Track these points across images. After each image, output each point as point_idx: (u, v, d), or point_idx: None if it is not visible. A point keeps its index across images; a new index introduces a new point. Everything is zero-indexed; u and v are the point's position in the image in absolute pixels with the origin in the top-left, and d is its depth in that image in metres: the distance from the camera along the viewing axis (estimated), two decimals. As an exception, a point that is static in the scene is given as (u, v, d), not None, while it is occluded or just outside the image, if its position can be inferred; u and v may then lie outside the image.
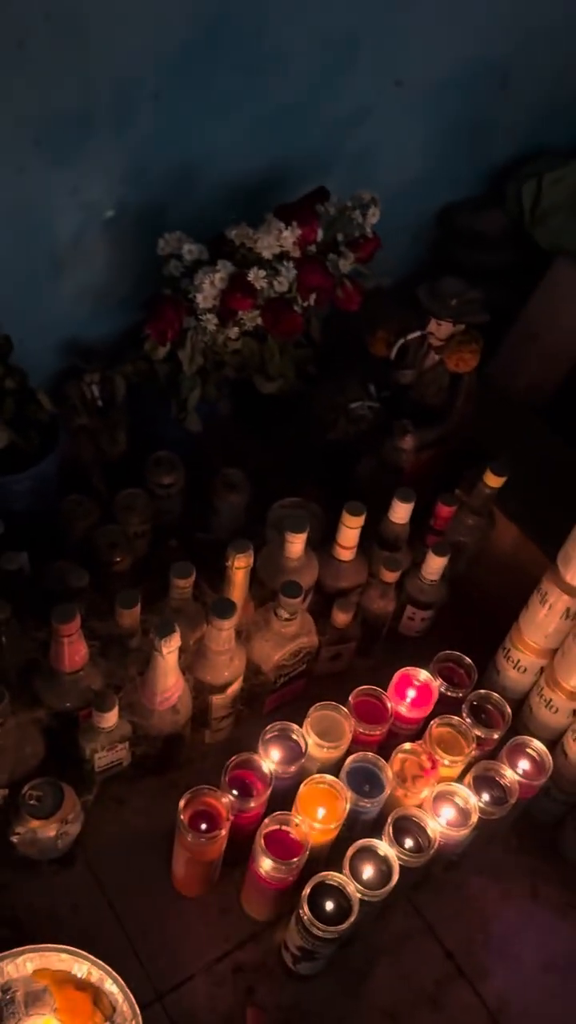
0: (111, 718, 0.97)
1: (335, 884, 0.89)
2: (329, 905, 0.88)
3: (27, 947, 0.93)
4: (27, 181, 1.06)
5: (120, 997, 0.92)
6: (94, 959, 0.93)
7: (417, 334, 1.23)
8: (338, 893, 0.89)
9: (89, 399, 1.24)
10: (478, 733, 1.02)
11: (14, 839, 0.97)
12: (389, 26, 1.21)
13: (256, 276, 1.02)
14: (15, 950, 0.93)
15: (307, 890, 0.87)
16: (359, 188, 1.19)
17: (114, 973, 0.93)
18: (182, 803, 0.91)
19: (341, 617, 1.12)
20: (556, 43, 1.41)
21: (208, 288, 1.04)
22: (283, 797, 0.97)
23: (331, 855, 0.98)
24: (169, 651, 0.93)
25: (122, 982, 0.93)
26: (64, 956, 0.94)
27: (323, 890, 0.89)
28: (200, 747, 1.11)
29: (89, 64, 1.01)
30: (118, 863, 1.04)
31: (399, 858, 0.91)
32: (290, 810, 0.95)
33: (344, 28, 1.17)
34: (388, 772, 0.97)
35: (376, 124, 1.31)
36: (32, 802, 0.96)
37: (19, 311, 1.12)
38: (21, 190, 1.07)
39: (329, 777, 0.94)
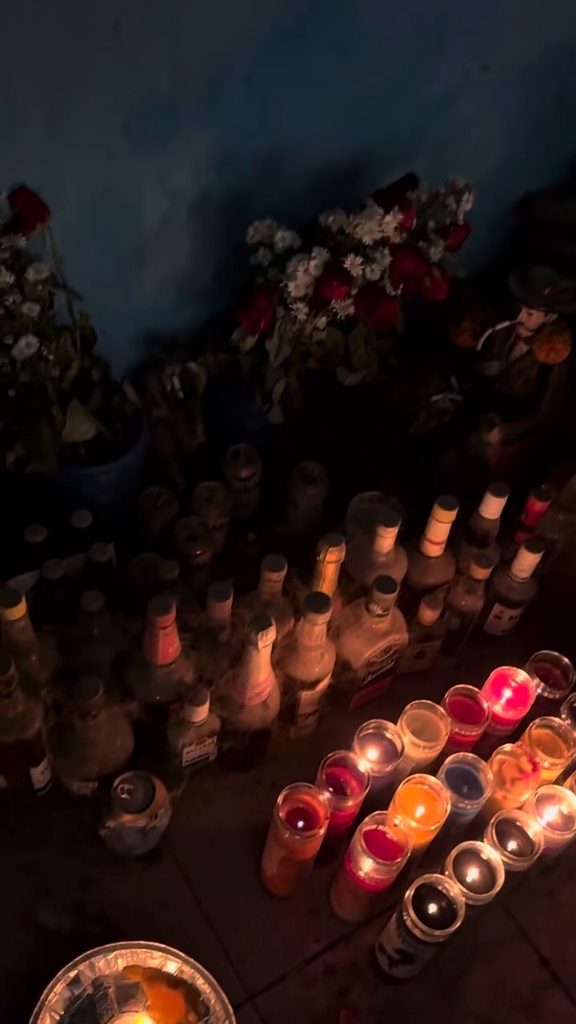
0: (203, 712, 0.95)
1: (438, 887, 0.86)
2: (432, 908, 0.86)
3: (118, 943, 0.92)
4: (115, 167, 1.05)
5: (212, 996, 0.91)
6: (185, 956, 0.92)
7: (506, 324, 1.20)
8: (440, 896, 0.87)
9: (169, 391, 1.22)
10: (577, 735, 0.99)
11: (103, 833, 0.96)
12: (480, 9, 1.18)
13: (353, 263, 1.00)
14: (106, 946, 0.92)
15: (411, 892, 0.85)
16: (442, 174, 1.16)
17: (205, 971, 0.92)
18: (280, 799, 0.89)
19: (428, 614, 1.10)
20: None
21: (302, 276, 1.01)
22: (374, 796, 0.95)
23: (424, 858, 0.96)
24: (264, 645, 0.92)
25: (214, 980, 0.91)
26: (156, 953, 0.92)
27: (426, 892, 0.86)
28: (285, 743, 1.09)
29: (181, 48, 1.00)
30: (205, 859, 1.02)
31: (504, 862, 0.88)
32: (381, 810, 0.93)
33: (436, 10, 1.15)
34: (488, 774, 0.94)
35: (462, 109, 1.28)
36: (124, 796, 0.95)
37: (103, 301, 1.10)
38: (109, 176, 1.06)
39: (430, 778, 0.91)
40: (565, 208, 1.44)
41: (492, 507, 1.09)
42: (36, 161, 0.99)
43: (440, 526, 1.07)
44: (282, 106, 1.11)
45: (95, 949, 0.91)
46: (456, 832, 0.96)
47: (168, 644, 0.94)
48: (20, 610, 0.89)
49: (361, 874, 0.90)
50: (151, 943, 0.92)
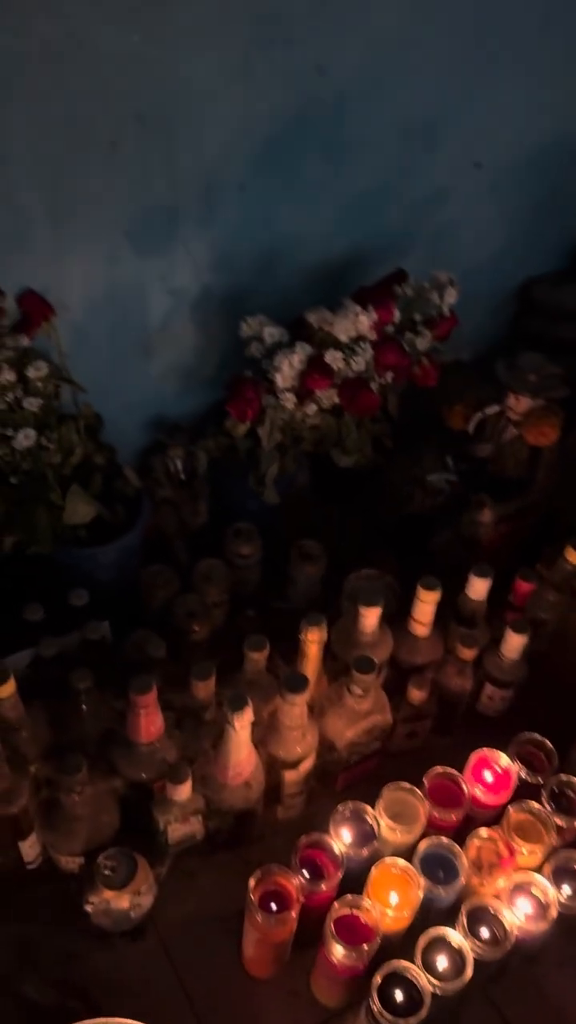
0: (185, 791, 0.98)
1: (407, 974, 0.86)
2: (400, 996, 0.86)
3: (98, 1020, 0.93)
4: (118, 270, 1.13)
5: (187, 1079, 0.91)
6: (162, 1037, 0.93)
7: (495, 408, 1.24)
8: (409, 984, 0.86)
9: (172, 472, 1.28)
10: (559, 822, 0.98)
11: (88, 908, 0.99)
12: (467, 111, 1.25)
13: (333, 358, 1.05)
14: (86, 1022, 0.93)
15: (377, 979, 0.85)
16: (438, 266, 1.21)
17: (182, 1053, 0.92)
18: (252, 882, 0.91)
19: (416, 694, 1.11)
20: None
21: (287, 369, 1.07)
22: (354, 878, 0.96)
23: (404, 941, 0.95)
24: (241, 725, 0.94)
25: (189, 1063, 0.92)
26: (133, 1032, 0.93)
27: (394, 979, 0.86)
28: (272, 823, 1.11)
29: (176, 160, 1.08)
30: (189, 938, 1.03)
31: (473, 951, 0.88)
32: (360, 891, 0.93)
33: (423, 115, 1.21)
34: (464, 860, 0.94)
35: (455, 204, 1.34)
36: (106, 872, 0.97)
37: (110, 391, 1.17)
38: (112, 279, 1.13)
39: (402, 862, 0.92)
40: (564, 292, 1.48)
41: (477, 588, 1.11)
42: (42, 266, 1.07)
43: (424, 606, 1.09)
44: (276, 209, 1.18)
45: (75, 1025, 0.93)
46: (435, 917, 0.96)
47: (150, 723, 0.97)
48: (9, 688, 0.94)
49: (334, 958, 0.90)
50: (130, 1021, 0.93)
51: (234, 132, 1.09)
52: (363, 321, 1.05)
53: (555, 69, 1.28)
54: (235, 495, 1.32)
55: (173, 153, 1.07)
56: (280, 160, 1.14)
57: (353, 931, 0.90)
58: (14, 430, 1.01)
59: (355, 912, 0.90)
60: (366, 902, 0.90)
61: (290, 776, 1.05)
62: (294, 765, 1.03)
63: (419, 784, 1.01)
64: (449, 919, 0.94)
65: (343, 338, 1.05)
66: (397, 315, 1.12)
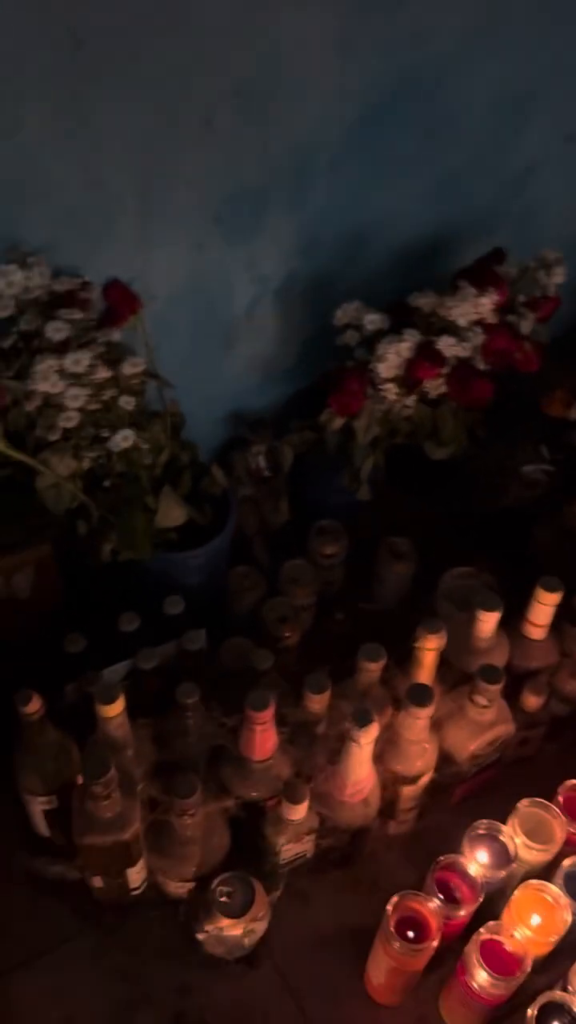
0: (301, 810, 0.92)
1: (564, 1004, 0.80)
2: (555, 1028, 0.80)
3: (220, 1056, 0.88)
4: (205, 257, 1.06)
5: None
6: (290, 1073, 0.88)
7: (599, 395, 1.17)
8: (566, 1014, 0.81)
9: (254, 469, 1.22)
10: None
11: (200, 937, 0.93)
12: (561, 83, 1.18)
13: (446, 344, 0.98)
14: (208, 1059, 0.88)
15: (534, 1012, 0.79)
16: (525, 245, 1.15)
17: None
18: (390, 908, 0.85)
19: (532, 700, 1.05)
20: None
21: (393, 358, 1.00)
22: (485, 902, 0.90)
23: (541, 965, 0.90)
24: (367, 741, 0.88)
25: None
26: (259, 1069, 0.88)
27: (551, 1010, 0.81)
28: (383, 839, 1.05)
29: (269, 138, 1.01)
30: (306, 964, 0.98)
31: (632, 980, 0.82)
32: (491, 912, 0.88)
33: (518, 86, 1.15)
34: (608, 879, 0.88)
35: (544, 181, 1.27)
36: (222, 899, 0.91)
37: (190, 384, 1.11)
38: (199, 266, 1.07)
39: (550, 886, 0.86)
40: None
41: (596, 587, 1.05)
42: (129, 254, 1.01)
43: (543, 608, 1.03)
44: (365, 188, 1.12)
45: (197, 1063, 0.88)
46: (573, 939, 0.90)
47: (266, 739, 0.91)
48: (119, 706, 0.88)
49: (476, 987, 0.84)
50: (253, 1056, 0.88)
51: (329, 107, 1.03)
52: (484, 303, 0.98)
53: None
54: (317, 491, 1.26)
55: (267, 130, 1.00)
56: (373, 136, 1.08)
57: (496, 958, 0.84)
58: (111, 431, 0.95)
59: (497, 938, 0.85)
60: (513, 928, 0.84)
61: (408, 791, 0.99)
62: (414, 780, 0.98)
63: (542, 794, 0.96)
64: (589, 942, 0.89)
65: (462, 322, 0.98)
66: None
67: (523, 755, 1.11)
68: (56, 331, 0.90)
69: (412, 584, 1.25)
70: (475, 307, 0.98)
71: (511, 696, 1.06)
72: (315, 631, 1.23)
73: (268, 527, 1.26)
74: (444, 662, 1.03)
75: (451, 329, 1.00)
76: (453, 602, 1.14)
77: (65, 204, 0.93)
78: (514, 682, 1.07)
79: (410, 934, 0.85)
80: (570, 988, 0.82)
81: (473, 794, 1.07)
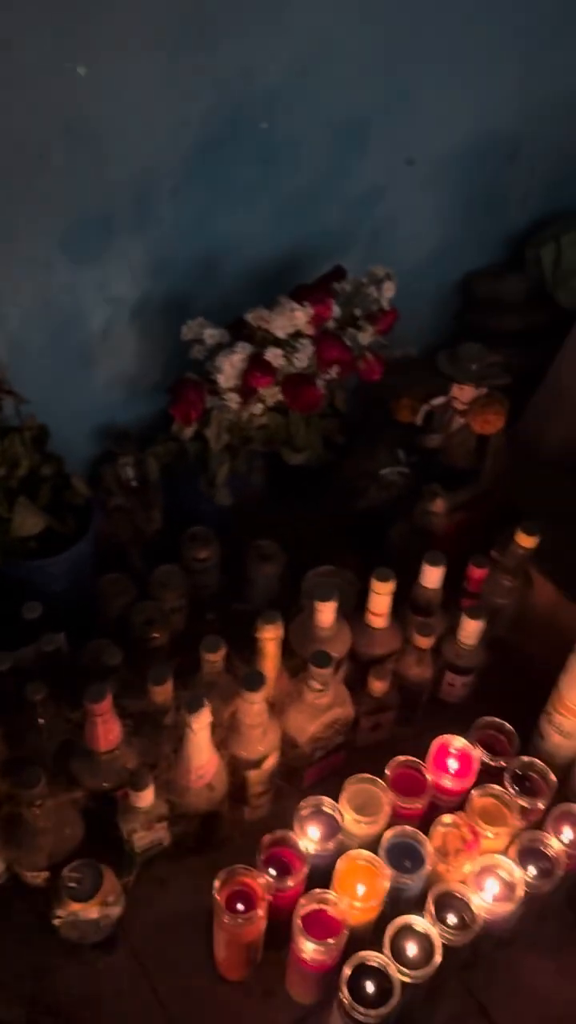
0: (147, 797, 0.97)
1: (376, 965, 0.86)
2: (371, 987, 0.86)
3: (70, 1035, 0.92)
4: (55, 280, 1.12)
5: None
6: (137, 1048, 0.92)
7: (441, 399, 1.25)
8: (380, 974, 0.86)
9: (124, 480, 1.27)
10: (522, 803, 0.99)
11: (56, 922, 0.97)
12: (397, 109, 1.26)
13: (274, 355, 1.05)
14: (58, 1039, 0.92)
15: (346, 972, 0.85)
16: (377, 263, 1.22)
17: (158, 1063, 0.91)
18: (217, 884, 0.90)
19: (377, 685, 1.11)
20: (566, 111, 1.45)
21: (228, 369, 1.07)
22: (322, 874, 0.96)
23: (373, 933, 0.95)
24: (200, 727, 0.94)
25: (166, 1072, 0.91)
26: (107, 1045, 0.92)
27: (364, 971, 0.86)
28: (240, 824, 1.10)
29: (108, 169, 1.08)
30: (161, 946, 1.02)
31: (442, 937, 0.88)
32: (329, 886, 0.93)
33: (353, 114, 1.23)
34: (428, 847, 0.94)
35: (390, 201, 1.35)
36: (71, 884, 0.95)
37: (54, 401, 1.16)
38: (49, 288, 1.13)
39: (367, 853, 0.92)
40: (504, 284, 1.50)
41: (430, 576, 1.12)
42: (-24, 277, 1.07)
43: (379, 597, 1.09)
44: (211, 213, 1.19)
45: (46, 1043, 0.92)
46: (404, 906, 0.96)
47: (108, 731, 0.96)
48: (-38, 704, 0.93)
49: (304, 955, 0.89)
50: (103, 1034, 0.93)
51: (164, 138, 1.10)
52: (299, 316, 1.05)
53: (480, 67, 1.30)
54: (189, 500, 1.31)
55: (103, 161, 1.06)
56: (212, 164, 1.15)
57: (323, 926, 0.89)
58: (-44, 444, 1.00)
59: (322, 906, 0.90)
60: (332, 895, 0.90)
61: (254, 775, 1.04)
62: (257, 764, 1.03)
63: (383, 775, 1.02)
64: (418, 908, 0.94)
65: (280, 335, 1.06)
66: (337, 310, 1.13)
67: (377, 739, 1.17)
68: None
69: (281, 584, 1.31)
70: (291, 320, 1.05)
71: (359, 684, 1.12)
72: (188, 632, 1.28)
73: (142, 535, 1.32)
74: (292, 652, 1.10)
75: (278, 341, 1.07)
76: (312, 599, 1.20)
77: None
78: (362, 670, 1.13)
79: (240, 907, 0.90)
80: (384, 949, 0.87)
81: (325, 778, 1.13)
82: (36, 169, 1.02)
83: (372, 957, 0.86)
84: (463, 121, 1.35)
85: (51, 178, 1.04)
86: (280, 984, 1.00)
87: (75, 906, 0.95)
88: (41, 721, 1.01)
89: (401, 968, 0.85)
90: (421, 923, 0.88)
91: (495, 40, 1.28)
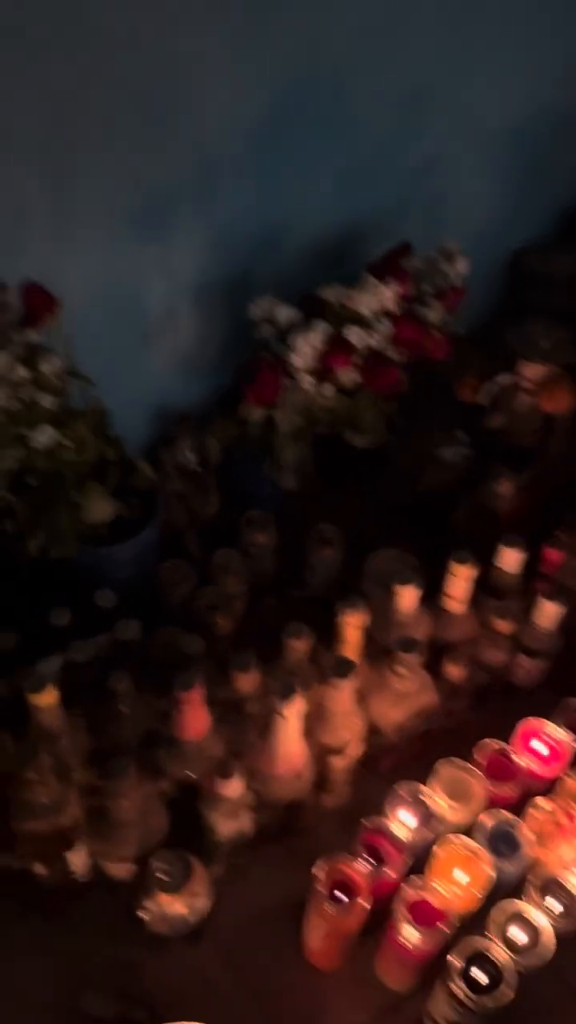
0: (234, 786, 0.95)
1: (485, 952, 0.85)
2: (480, 975, 0.85)
3: (165, 1028, 0.91)
4: (119, 257, 1.09)
5: (264, 1079, 0.89)
6: (233, 1039, 0.91)
7: (508, 377, 1.23)
8: (487, 961, 0.85)
9: (182, 464, 1.25)
10: (613, 785, 0.98)
11: (143, 915, 0.96)
12: (458, 81, 1.23)
13: (355, 334, 1.03)
14: (153, 1032, 0.91)
15: (458, 961, 0.84)
16: (433, 237, 1.20)
17: (256, 1054, 0.90)
18: (320, 874, 0.89)
19: (454, 671, 1.10)
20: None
21: (306, 349, 1.04)
22: (414, 860, 0.94)
23: (470, 920, 0.95)
24: (291, 714, 0.92)
25: (265, 1063, 0.90)
26: (203, 1037, 0.91)
27: (474, 959, 0.85)
28: (320, 812, 1.09)
29: (174, 142, 1.04)
30: (246, 936, 1.01)
31: (552, 923, 0.87)
32: (420, 872, 0.92)
33: (415, 84, 1.20)
34: (525, 832, 0.93)
35: (447, 173, 1.33)
36: (161, 876, 0.94)
37: (114, 382, 1.13)
38: (114, 266, 1.10)
39: (470, 841, 0.91)
40: (554, 261, 1.48)
41: (508, 559, 1.10)
42: (44, 255, 1.03)
43: (458, 581, 1.07)
44: (275, 187, 1.16)
45: (142, 1037, 0.90)
46: (499, 892, 0.95)
47: (196, 719, 0.94)
48: (49, 696, 0.90)
49: (406, 943, 0.88)
50: (198, 1025, 0.91)
51: (230, 110, 1.06)
52: (387, 294, 1.02)
53: (539, 40, 1.27)
54: (245, 483, 1.29)
55: (171, 135, 1.03)
56: (278, 136, 1.12)
57: (424, 914, 0.88)
58: (30, 429, 0.97)
59: (425, 895, 0.89)
60: (437, 884, 0.88)
61: (338, 763, 1.03)
62: (342, 751, 1.01)
63: (468, 759, 1.00)
64: (513, 893, 0.94)
65: (366, 313, 1.03)
66: (409, 290, 1.11)
67: (450, 726, 1.16)
68: (-29, 333, 0.93)
69: (340, 569, 1.29)
70: (378, 298, 1.02)
71: (435, 668, 1.11)
72: (248, 618, 1.26)
73: (199, 520, 1.29)
74: (371, 639, 1.08)
75: (359, 320, 1.04)
76: (378, 582, 1.18)
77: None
78: (438, 655, 1.12)
79: (341, 897, 0.89)
80: (487, 933, 0.86)
81: (403, 764, 1.12)
82: (104, 144, 0.99)
83: (486, 945, 0.85)
84: (521, 93, 1.32)
85: (118, 150, 1.00)
86: (370, 971, 0.99)
87: (164, 898, 0.93)
88: (124, 711, 0.98)
89: (514, 957, 0.84)
90: (531, 911, 0.87)
91: (558, 11, 1.25)
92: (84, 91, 0.94)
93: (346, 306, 1.05)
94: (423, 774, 1.00)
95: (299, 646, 1.00)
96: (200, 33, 0.97)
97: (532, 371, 1.20)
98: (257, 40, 1.02)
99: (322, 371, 1.07)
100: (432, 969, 0.94)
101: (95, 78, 0.93)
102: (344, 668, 0.95)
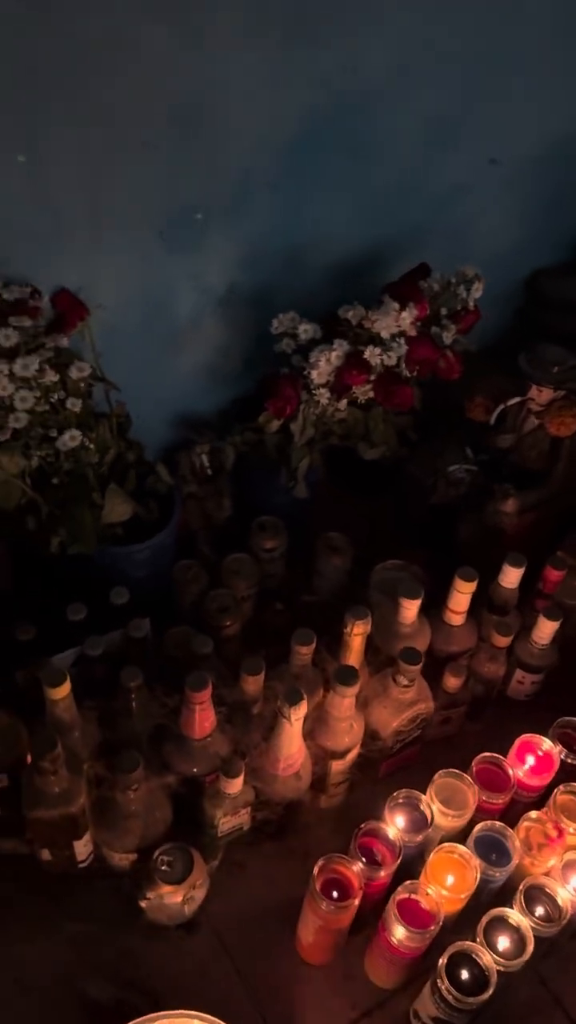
0: (237, 784, 0.99)
1: (471, 954, 0.89)
2: (464, 975, 0.88)
3: (161, 1013, 0.94)
4: (150, 269, 1.13)
5: (253, 1066, 0.93)
6: (225, 1025, 0.94)
7: (517, 399, 1.26)
8: (473, 963, 0.89)
9: (198, 468, 1.29)
10: (601, 800, 1.02)
11: (143, 904, 1.00)
12: (487, 110, 1.26)
13: (372, 353, 1.06)
14: (149, 1016, 0.94)
15: (444, 960, 0.88)
16: (453, 259, 1.23)
17: (247, 1041, 0.94)
18: (316, 871, 0.92)
19: (452, 681, 1.14)
20: None
21: (324, 365, 1.08)
22: (406, 863, 0.98)
23: (455, 923, 0.98)
24: (297, 718, 0.96)
25: (255, 1050, 0.93)
26: (196, 1023, 0.95)
27: (459, 959, 0.89)
28: (315, 812, 1.13)
29: (209, 160, 1.08)
30: (242, 928, 1.05)
31: (532, 928, 0.91)
32: (410, 875, 0.96)
33: (443, 113, 1.23)
34: (515, 841, 0.97)
35: (471, 200, 1.36)
36: (163, 867, 0.98)
37: (139, 388, 1.17)
38: (144, 278, 1.13)
39: (460, 847, 0.95)
40: (572, 284, 1.51)
41: (511, 577, 1.14)
42: (76, 265, 1.07)
43: (461, 596, 1.11)
44: (302, 207, 1.19)
45: (139, 1020, 0.94)
46: (486, 898, 0.99)
47: (205, 718, 0.98)
48: (65, 689, 0.94)
49: (395, 942, 0.92)
50: (195, 1013, 0.95)
51: (266, 132, 1.10)
52: (405, 318, 1.06)
53: (566, 69, 1.30)
54: (258, 490, 1.33)
55: (205, 152, 1.07)
56: (308, 158, 1.15)
57: (412, 914, 0.92)
58: (58, 431, 1.01)
59: (414, 897, 0.93)
60: (427, 886, 0.92)
61: (337, 766, 1.07)
62: (342, 755, 1.05)
63: (462, 769, 1.04)
64: (500, 900, 0.97)
65: (384, 335, 1.07)
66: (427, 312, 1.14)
67: (446, 733, 1.20)
68: (6, 338, 0.96)
69: (348, 577, 1.32)
70: (396, 321, 1.06)
71: (433, 678, 1.14)
72: (256, 621, 1.30)
73: (212, 523, 1.33)
74: (373, 647, 1.12)
75: (376, 340, 1.08)
76: (383, 592, 1.21)
77: (15, 219, 0.99)
78: (436, 665, 1.16)
79: (335, 894, 0.93)
80: (478, 940, 0.90)
81: (399, 769, 1.16)
82: (141, 157, 1.03)
83: (468, 946, 0.88)
84: (547, 121, 1.35)
85: (155, 166, 1.04)
86: (359, 968, 1.03)
87: (166, 888, 0.97)
88: (135, 706, 1.02)
89: (496, 958, 0.88)
90: (514, 915, 0.91)
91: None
92: (125, 105, 0.97)
93: (364, 327, 1.08)
94: (419, 780, 1.04)
95: (305, 651, 1.04)
96: (238, 59, 1.01)
97: (541, 395, 1.23)
98: (292, 66, 1.06)
99: (339, 387, 1.10)
100: (419, 968, 0.98)
101: (138, 95, 0.97)
102: (348, 677, 0.99)
